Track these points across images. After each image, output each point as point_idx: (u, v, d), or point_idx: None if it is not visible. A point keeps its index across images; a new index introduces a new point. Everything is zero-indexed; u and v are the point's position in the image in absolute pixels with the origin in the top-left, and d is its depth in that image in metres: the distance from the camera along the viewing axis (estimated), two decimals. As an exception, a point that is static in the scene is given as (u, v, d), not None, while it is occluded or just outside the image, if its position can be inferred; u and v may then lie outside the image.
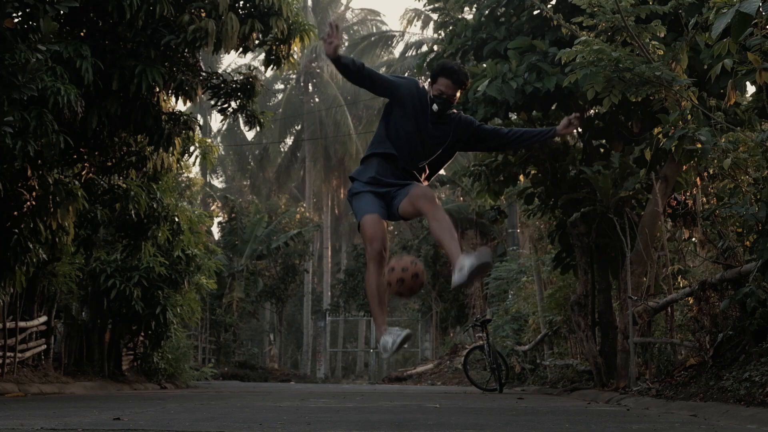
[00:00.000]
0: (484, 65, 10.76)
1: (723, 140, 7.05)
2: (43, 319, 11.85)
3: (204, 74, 10.64)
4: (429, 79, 4.96)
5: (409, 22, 35.19)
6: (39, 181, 9.13)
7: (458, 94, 4.89)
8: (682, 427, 4.58)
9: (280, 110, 39.63)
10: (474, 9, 11.25)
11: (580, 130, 11.80)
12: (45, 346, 12.03)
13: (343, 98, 39.25)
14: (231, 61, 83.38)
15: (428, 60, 11.85)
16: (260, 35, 10.24)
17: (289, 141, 42.63)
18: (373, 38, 39.88)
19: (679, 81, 7.58)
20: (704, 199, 9.41)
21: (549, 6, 10.58)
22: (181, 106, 27.39)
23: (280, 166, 41.92)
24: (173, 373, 15.62)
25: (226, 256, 27.01)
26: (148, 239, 11.55)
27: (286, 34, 10.13)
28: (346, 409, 6.53)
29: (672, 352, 8.95)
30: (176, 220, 12.48)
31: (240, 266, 28.80)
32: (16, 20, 7.70)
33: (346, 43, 42.80)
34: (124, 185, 10.76)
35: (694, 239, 10.61)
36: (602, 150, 11.65)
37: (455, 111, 4.97)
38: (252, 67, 17.95)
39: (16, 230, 9.40)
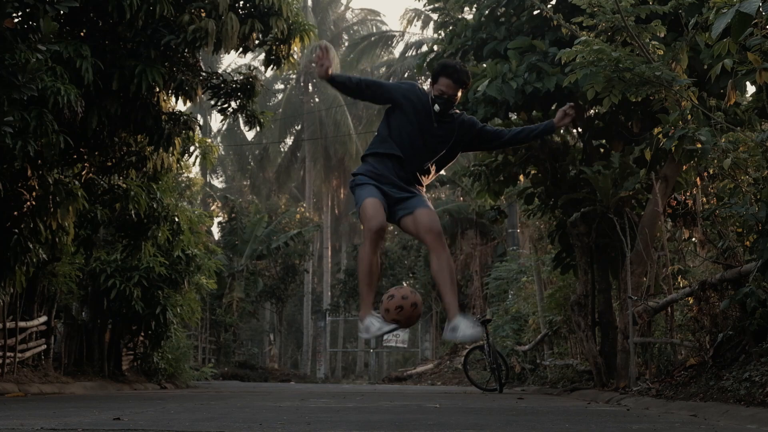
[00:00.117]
0: (484, 65, 10.76)
1: (723, 140, 7.05)
2: (43, 319, 11.85)
3: (204, 74, 10.64)
4: (430, 80, 4.97)
5: (409, 22, 35.19)
6: (39, 181, 9.13)
7: (459, 94, 4.89)
8: (682, 427, 4.58)
9: (280, 110, 39.62)
10: (474, 9, 11.25)
11: (579, 129, 11.81)
12: (45, 346, 12.03)
13: (343, 98, 39.22)
14: (231, 61, 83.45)
15: (428, 60, 11.85)
16: (260, 35, 10.24)
17: (289, 141, 42.63)
18: (373, 38, 39.85)
19: (679, 81, 7.58)
20: (704, 199, 9.41)
21: (549, 6, 10.58)
22: (181, 106, 27.40)
23: (280, 166, 41.92)
24: (173, 373, 15.62)
25: (226, 256, 27.01)
26: (148, 239, 11.55)
27: (286, 34, 10.13)
28: (346, 409, 6.53)
29: (672, 352, 8.95)
30: (176, 220, 12.48)
31: (240, 266, 28.80)
32: (16, 20, 7.70)
33: (346, 43, 42.82)
34: (124, 185, 10.76)
35: (694, 239, 10.61)
36: (602, 150, 11.65)
37: (457, 111, 4.98)
38: (252, 67, 17.95)
39: (16, 230, 9.40)
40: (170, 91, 10.12)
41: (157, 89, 9.60)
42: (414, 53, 34.86)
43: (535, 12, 10.59)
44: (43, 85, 7.68)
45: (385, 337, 29.62)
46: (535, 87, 9.78)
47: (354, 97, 5.10)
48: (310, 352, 35.14)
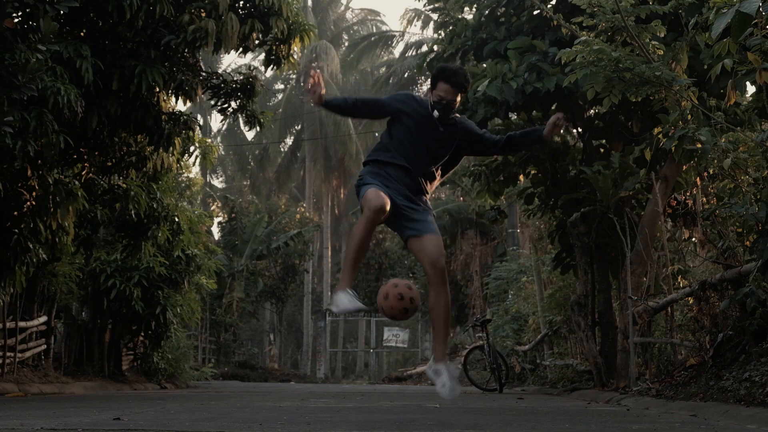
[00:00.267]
0: (484, 65, 10.76)
1: (723, 140, 7.05)
2: (43, 319, 11.85)
3: (204, 74, 10.64)
4: (429, 84, 4.97)
5: (409, 22, 35.17)
6: (39, 181, 9.13)
7: (459, 98, 4.88)
8: (682, 427, 4.58)
9: (280, 110, 39.62)
10: (474, 9, 11.25)
11: (579, 129, 11.81)
12: (45, 346, 12.03)
13: (343, 98, 39.19)
14: (231, 61, 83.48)
15: (428, 60, 11.85)
16: (260, 35, 10.23)
17: (289, 141, 42.62)
18: (373, 38, 39.83)
19: (679, 81, 7.58)
20: (704, 199, 9.41)
21: (549, 6, 10.58)
22: (181, 106, 27.39)
23: (280, 166, 41.92)
24: (173, 373, 15.62)
25: (226, 256, 27.01)
26: (148, 239, 11.55)
27: (286, 34, 10.13)
28: (346, 409, 6.53)
29: (672, 352, 8.94)
30: (176, 220, 12.48)
31: (240, 266, 28.80)
32: (16, 20, 7.70)
33: (346, 43, 42.82)
34: (124, 185, 10.76)
35: (694, 239, 10.61)
36: (602, 150, 11.65)
37: (458, 115, 4.99)
38: (252, 67, 17.96)
39: (16, 230, 9.40)
40: (170, 91, 10.12)
41: (157, 89, 9.60)
42: (414, 53, 34.86)
43: (535, 12, 10.59)
44: (43, 85, 7.68)
45: (385, 336, 29.64)
46: (535, 87, 9.78)
47: (352, 117, 5.18)
48: (310, 352, 35.13)
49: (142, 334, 14.59)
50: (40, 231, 9.50)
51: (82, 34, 9.41)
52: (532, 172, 12.01)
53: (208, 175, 44.02)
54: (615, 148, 11.07)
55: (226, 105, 10.88)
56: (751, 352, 6.57)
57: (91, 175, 10.59)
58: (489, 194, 12.11)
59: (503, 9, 10.87)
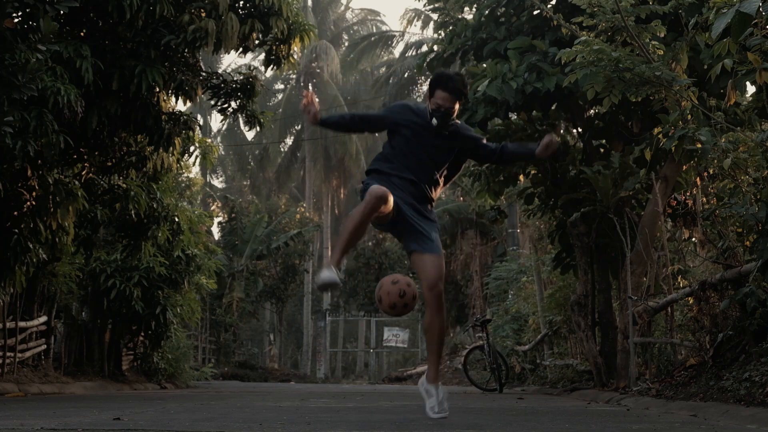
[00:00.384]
0: (484, 65, 10.76)
1: (723, 140, 7.04)
2: (43, 319, 11.85)
3: (204, 74, 10.64)
4: (427, 92, 4.98)
5: (409, 22, 35.17)
6: (39, 181, 9.13)
7: (457, 106, 4.88)
8: (682, 427, 4.58)
9: (280, 110, 39.62)
10: (474, 9, 11.25)
11: (579, 129, 11.80)
12: (45, 346, 12.03)
13: (343, 98, 39.23)
14: (231, 61, 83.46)
15: (428, 60, 11.85)
16: (260, 35, 10.23)
17: (289, 141, 42.63)
18: (373, 38, 39.83)
19: (679, 81, 7.58)
20: (704, 199, 9.41)
21: (549, 6, 10.58)
22: (181, 106, 27.40)
23: (280, 166, 41.92)
24: (173, 373, 15.62)
25: (226, 256, 27.01)
26: (148, 239, 11.55)
27: (286, 34, 10.13)
28: (346, 409, 6.53)
29: (672, 352, 8.94)
30: (176, 220, 12.48)
31: (240, 266, 28.80)
32: (16, 20, 7.70)
33: (346, 43, 42.81)
34: (124, 185, 10.76)
35: (694, 239, 10.60)
36: (602, 150, 11.65)
37: (458, 121, 5.01)
38: (252, 67, 17.96)
39: (16, 230, 9.40)
40: (170, 91, 10.13)
41: (157, 89, 9.60)
42: (414, 53, 34.86)
43: (535, 12, 10.58)
44: (43, 85, 7.68)
45: (385, 336, 29.65)
46: (535, 87, 9.78)
47: (350, 132, 5.27)
48: (310, 352, 35.13)
49: (142, 334, 14.59)
50: (40, 231, 9.50)
51: (82, 34, 9.41)
52: (532, 172, 12.01)
53: (208, 175, 44.03)
54: (615, 148, 11.07)
55: (226, 105, 10.88)
56: (751, 352, 6.57)
57: (91, 175, 10.59)
58: (489, 194, 12.11)
59: (503, 9, 10.87)
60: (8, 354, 10.58)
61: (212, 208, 39.46)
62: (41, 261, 9.98)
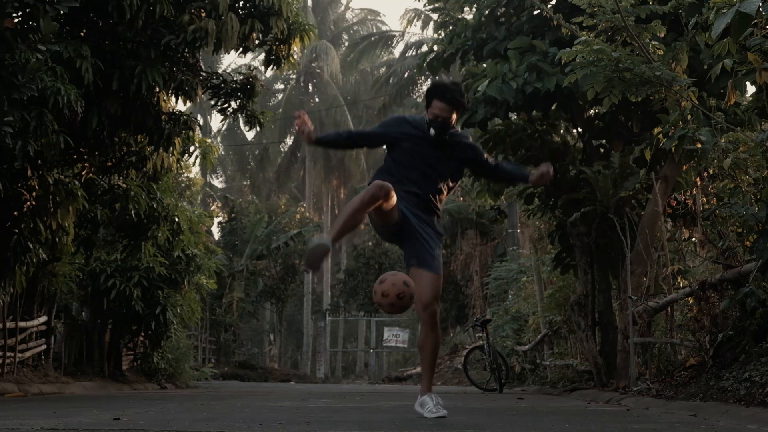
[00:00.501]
0: (484, 65, 10.76)
1: (723, 140, 7.04)
2: (43, 319, 11.84)
3: (204, 74, 10.64)
4: (425, 102, 5.00)
5: (409, 22, 35.17)
6: (39, 181, 9.13)
7: (455, 115, 4.90)
8: (682, 427, 4.58)
9: (280, 110, 39.62)
10: (474, 9, 11.25)
11: (579, 129, 11.80)
12: (45, 346, 12.03)
13: (343, 98, 39.25)
14: (231, 61, 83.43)
15: (428, 60, 11.84)
16: (260, 35, 10.24)
17: (289, 141, 42.63)
18: (373, 38, 39.82)
19: (679, 81, 7.58)
20: (704, 199, 9.41)
21: (549, 6, 10.58)
22: (181, 106, 27.38)
23: (280, 166, 41.91)
24: (173, 373, 15.62)
25: (226, 256, 27.01)
26: (148, 239, 11.55)
27: (286, 34, 10.13)
28: (346, 409, 6.53)
29: (672, 352, 8.94)
30: (176, 220, 12.48)
31: (240, 266, 28.80)
32: (16, 20, 7.71)
33: (346, 43, 42.81)
34: (124, 185, 10.76)
35: (694, 239, 10.60)
36: (602, 150, 11.65)
37: (458, 131, 5.03)
38: (252, 67, 17.98)
39: (16, 230, 9.40)
40: (170, 91, 10.13)
41: (157, 89, 9.60)
42: (414, 53, 34.85)
43: (535, 12, 10.58)
44: (43, 85, 7.68)
45: (385, 336, 29.63)
46: (535, 87, 9.78)
47: (347, 149, 5.31)
48: (310, 352, 35.12)
49: (142, 334, 14.59)
50: (40, 231, 9.50)
51: (82, 34, 9.41)
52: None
53: (208, 175, 44.03)
54: (615, 148, 11.07)
55: (226, 105, 10.89)
56: (751, 352, 6.57)
57: (91, 175, 10.59)
58: (489, 194, 12.10)
59: (503, 9, 10.87)
60: (8, 354, 10.58)
61: (212, 208, 39.49)
62: (41, 261, 9.98)
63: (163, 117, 10.09)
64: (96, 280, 13.10)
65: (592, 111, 11.44)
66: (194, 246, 14.07)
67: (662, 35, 8.74)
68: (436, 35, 13.15)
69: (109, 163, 10.63)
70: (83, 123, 8.92)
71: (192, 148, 11.79)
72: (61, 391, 10.61)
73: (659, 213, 9.57)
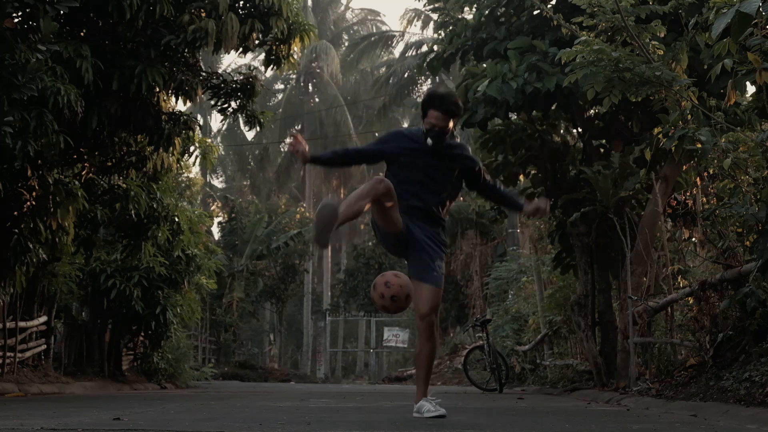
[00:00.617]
0: (484, 65, 10.76)
1: (723, 140, 7.04)
2: (43, 319, 11.84)
3: (204, 74, 10.64)
4: (421, 112, 5.03)
5: (409, 22, 35.16)
6: (39, 181, 9.13)
7: (451, 124, 4.91)
8: (682, 427, 4.58)
9: (280, 110, 39.62)
10: (474, 9, 11.25)
11: (579, 129, 11.80)
12: (45, 346, 12.03)
13: (343, 98, 39.24)
14: (231, 61, 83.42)
15: (428, 60, 11.84)
16: (260, 35, 10.24)
17: (289, 141, 42.56)
18: (373, 38, 39.81)
19: (679, 81, 7.58)
20: (704, 199, 9.41)
21: (549, 6, 10.57)
22: (181, 106, 27.39)
23: (280, 166, 41.90)
24: (173, 373, 15.62)
25: (226, 256, 27.00)
26: (148, 239, 11.55)
27: (286, 34, 10.13)
28: (346, 409, 6.53)
29: (672, 352, 8.94)
30: (176, 220, 12.48)
31: (240, 266, 28.79)
32: (16, 20, 7.71)
33: (346, 43, 42.80)
34: (124, 185, 10.76)
35: (694, 239, 10.60)
36: (602, 150, 11.65)
37: (458, 140, 5.06)
38: (252, 67, 17.96)
39: (16, 230, 9.40)
40: (170, 91, 10.13)
41: (157, 89, 9.60)
42: (414, 53, 34.85)
43: (535, 12, 10.58)
44: (43, 85, 7.68)
45: (385, 336, 29.64)
46: (535, 87, 9.78)
47: (344, 167, 5.36)
48: (310, 352, 35.12)
49: (142, 334, 14.59)
50: (40, 231, 9.50)
51: (82, 34, 9.41)
52: (532, 172, 12.01)
53: (208, 175, 44.02)
54: (615, 148, 11.07)
55: (226, 105, 10.89)
56: (751, 352, 6.57)
57: (91, 175, 10.59)
58: (489, 194, 12.08)
59: (503, 9, 10.87)
60: (8, 354, 10.58)
61: (212, 208, 39.48)
62: (41, 261, 9.98)
63: (163, 117, 10.09)
64: (96, 280, 13.10)
65: (592, 111, 11.44)
66: (194, 246, 14.07)
67: (662, 35, 8.74)
68: (436, 35, 13.16)
69: (109, 163, 10.63)
70: (83, 123, 8.92)
71: (192, 148, 11.79)
72: (61, 391, 10.61)
73: (659, 213, 9.57)
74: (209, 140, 13.11)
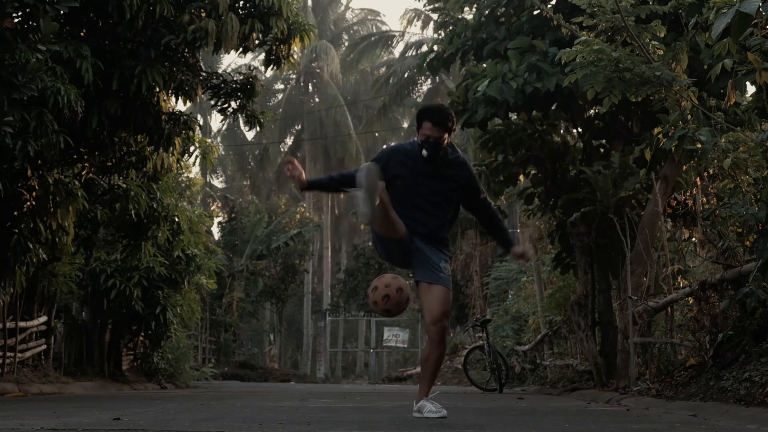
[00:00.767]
0: (484, 65, 10.76)
1: (723, 140, 7.04)
2: (43, 319, 11.84)
3: (204, 74, 10.64)
4: (416, 124, 5.03)
5: (409, 22, 35.16)
6: (39, 181, 9.13)
7: (446, 136, 4.91)
8: (682, 427, 4.58)
9: (280, 110, 39.61)
10: (474, 9, 11.26)
11: (579, 129, 11.81)
12: (45, 346, 12.03)
13: (343, 98, 39.23)
14: (231, 61, 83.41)
15: (428, 60, 11.85)
16: (260, 35, 10.24)
17: (289, 141, 42.63)
18: (373, 38, 39.81)
19: (679, 81, 7.58)
20: (704, 199, 9.41)
21: (549, 6, 10.58)
22: (181, 106, 27.39)
23: (280, 166, 41.84)
24: (173, 373, 15.62)
25: (226, 256, 27.00)
26: (148, 239, 11.55)
27: (286, 34, 10.13)
28: (346, 409, 6.53)
29: (672, 352, 8.94)
30: (176, 220, 12.48)
31: (240, 266, 28.80)
32: (16, 20, 7.71)
33: (346, 43, 42.80)
34: (124, 185, 10.76)
35: (694, 239, 10.60)
36: (602, 150, 11.66)
37: (458, 153, 5.04)
38: (252, 67, 17.97)
39: (16, 230, 9.40)
40: (170, 91, 10.13)
41: (157, 89, 9.60)
42: (414, 53, 34.85)
43: (535, 12, 10.59)
44: (43, 85, 7.68)
45: (385, 336, 29.64)
46: (535, 87, 9.78)
47: (340, 191, 5.28)
48: (310, 352, 35.13)
49: (142, 334, 14.59)
50: (40, 231, 9.50)
51: (82, 34, 9.41)
52: (532, 172, 12.01)
53: (208, 175, 44.01)
54: (615, 148, 11.07)
55: (226, 105, 10.89)
56: (751, 352, 6.57)
57: (91, 175, 10.59)
58: (489, 194, 12.10)
59: (503, 9, 10.88)
60: (8, 354, 10.58)
61: (212, 208, 39.47)
62: (41, 261, 9.98)
63: (163, 117, 10.09)
64: (96, 280, 13.10)
65: (592, 111, 11.45)
66: (194, 246, 14.07)
67: (662, 35, 8.74)
68: (436, 35, 13.16)
69: (109, 163, 10.63)
70: (83, 123, 8.92)
71: (192, 148, 11.79)
72: (61, 391, 10.61)
73: (659, 213, 9.57)
74: (209, 140, 13.11)
